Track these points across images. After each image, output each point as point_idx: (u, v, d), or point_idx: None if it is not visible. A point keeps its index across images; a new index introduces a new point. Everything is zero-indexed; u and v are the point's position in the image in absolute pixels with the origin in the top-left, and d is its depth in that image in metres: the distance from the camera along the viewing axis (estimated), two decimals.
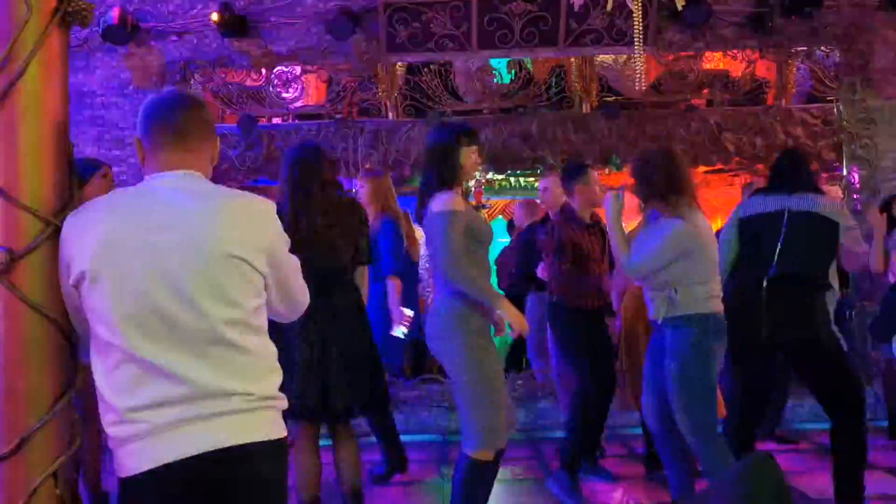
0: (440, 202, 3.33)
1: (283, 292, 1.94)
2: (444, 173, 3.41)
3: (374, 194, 5.07)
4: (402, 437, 5.73)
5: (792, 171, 3.97)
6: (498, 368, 3.45)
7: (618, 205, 3.76)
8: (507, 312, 3.31)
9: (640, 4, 3.52)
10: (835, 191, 6.08)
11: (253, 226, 1.84)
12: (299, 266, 2.02)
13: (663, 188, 3.62)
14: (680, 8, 3.78)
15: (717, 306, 3.61)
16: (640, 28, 3.60)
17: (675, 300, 3.55)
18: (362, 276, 3.88)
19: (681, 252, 3.54)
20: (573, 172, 4.69)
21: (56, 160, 1.83)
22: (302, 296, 2.05)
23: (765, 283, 3.79)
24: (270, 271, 1.86)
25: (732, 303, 3.74)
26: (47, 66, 1.83)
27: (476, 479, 3.33)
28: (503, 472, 3.89)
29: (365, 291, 3.89)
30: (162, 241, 1.73)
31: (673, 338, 3.56)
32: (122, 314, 1.71)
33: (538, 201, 5.74)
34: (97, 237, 1.73)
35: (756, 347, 3.85)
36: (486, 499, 3.41)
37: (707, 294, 3.58)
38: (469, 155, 3.44)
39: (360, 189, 5.07)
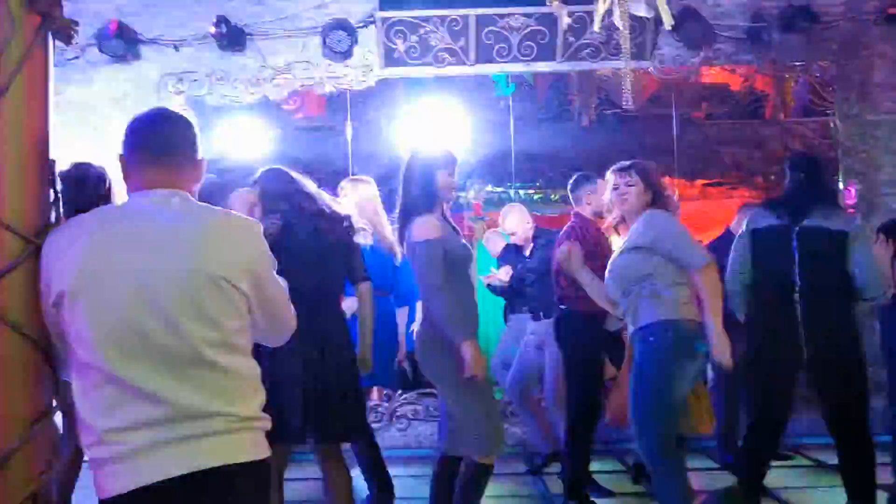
0: (418, 229, 3.39)
1: (268, 315, 1.91)
2: (419, 196, 3.47)
3: (357, 200, 4.70)
4: (399, 452, 5.72)
5: (807, 182, 3.92)
6: (484, 381, 3.49)
7: (579, 254, 3.93)
8: (469, 352, 3.32)
9: (627, 22, 3.51)
10: None
11: (236, 246, 1.82)
12: (286, 288, 2.00)
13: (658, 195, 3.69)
14: (669, 27, 3.77)
15: (687, 313, 3.48)
16: (628, 45, 3.59)
17: (641, 311, 3.50)
18: (365, 294, 3.71)
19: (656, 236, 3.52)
20: (581, 181, 4.70)
21: (38, 179, 1.82)
22: (289, 319, 2.02)
23: (797, 298, 3.75)
24: (254, 292, 1.83)
25: (760, 320, 3.80)
26: (31, 84, 1.81)
27: (480, 482, 3.46)
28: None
29: (369, 309, 3.73)
30: (143, 261, 1.72)
31: (642, 346, 3.50)
32: (102, 335, 1.69)
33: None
34: (77, 257, 1.72)
35: (790, 365, 3.82)
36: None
37: (682, 298, 3.49)
38: (445, 177, 3.50)
39: (342, 194, 4.68)
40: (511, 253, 5.56)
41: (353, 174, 6.09)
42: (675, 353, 3.43)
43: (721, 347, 3.40)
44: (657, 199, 3.66)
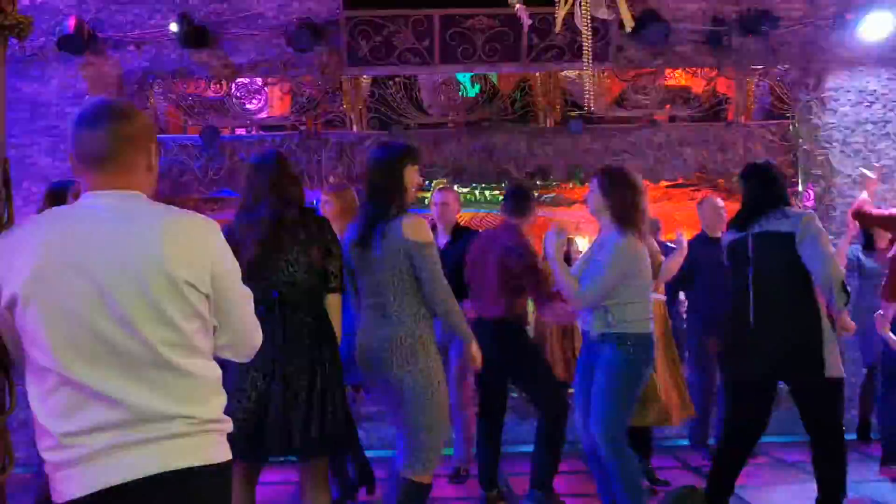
0: (418, 228, 3.24)
1: (227, 320, 1.86)
2: (385, 192, 3.32)
3: (341, 210, 4.66)
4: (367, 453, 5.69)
5: (759, 190, 4.01)
6: (447, 392, 3.37)
7: (558, 242, 3.79)
8: (474, 349, 3.43)
9: (588, 24, 3.53)
10: None
11: (193, 245, 1.78)
12: (249, 296, 1.94)
13: (619, 210, 3.73)
14: (629, 30, 3.80)
15: (649, 327, 3.74)
16: (589, 47, 3.61)
17: (610, 319, 3.67)
18: (333, 307, 3.32)
19: (622, 274, 3.64)
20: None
21: None
22: (251, 330, 1.95)
23: (751, 316, 3.85)
24: (214, 294, 1.79)
25: (728, 329, 3.99)
26: None
27: (416, 502, 3.29)
28: None
29: (337, 323, 3.33)
30: (98, 263, 1.68)
31: (609, 353, 3.67)
32: (57, 338, 1.66)
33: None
34: (30, 260, 1.68)
35: (751, 381, 3.94)
36: None
37: (642, 314, 3.70)
38: (413, 174, 3.38)
39: (326, 205, 4.62)
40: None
41: (315, 174, 6.08)
42: (640, 360, 3.68)
43: None
44: (624, 213, 3.71)
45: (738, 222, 4.04)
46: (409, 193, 3.38)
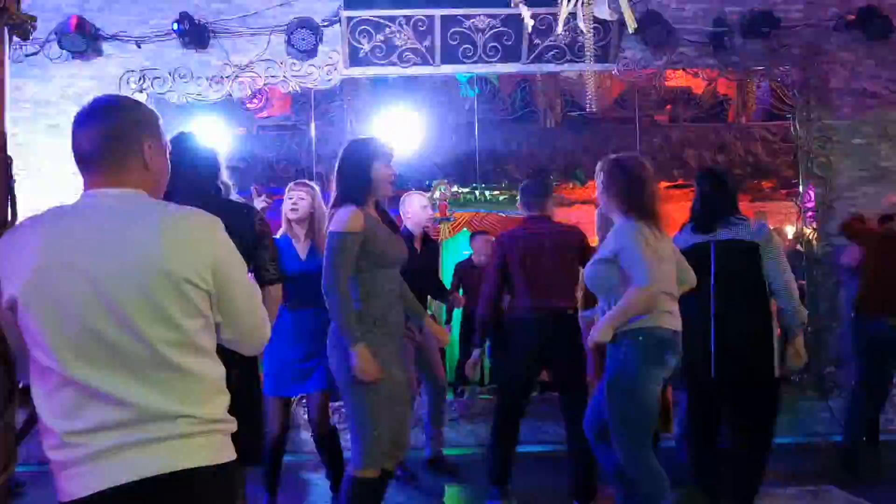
0: (338, 219, 3.25)
1: (230, 317, 1.84)
2: (352, 188, 3.33)
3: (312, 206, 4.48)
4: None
5: (715, 197, 4.02)
6: (393, 387, 3.30)
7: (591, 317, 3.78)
8: (356, 358, 3.18)
9: (591, 24, 3.53)
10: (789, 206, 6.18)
11: (193, 242, 1.76)
12: (255, 292, 1.92)
13: (626, 200, 3.51)
14: (632, 31, 3.80)
15: (664, 322, 3.44)
16: (591, 48, 3.61)
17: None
18: (270, 300, 3.16)
19: (649, 248, 3.38)
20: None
21: None
22: (258, 325, 1.93)
23: (712, 322, 3.87)
24: (216, 290, 1.77)
25: (684, 333, 3.73)
26: None
27: (360, 499, 3.27)
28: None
29: (273, 315, 3.21)
30: (98, 263, 1.67)
31: (614, 351, 3.47)
32: (59, 339, 1.66)
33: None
34: (30, 260, 1.67)
35: (706, 381, 3.95)
36: None
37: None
38: (380, 169, 3.36)
39: (300, 201, 4.37)
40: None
41: (316, 174, 6.07)
42: (645, 361, 3.41)
43: (597, 335, 3.40)
44: (635, 202, 3.49)
45: (699, 225, 4.02)
46: (376, 188, 3.37)
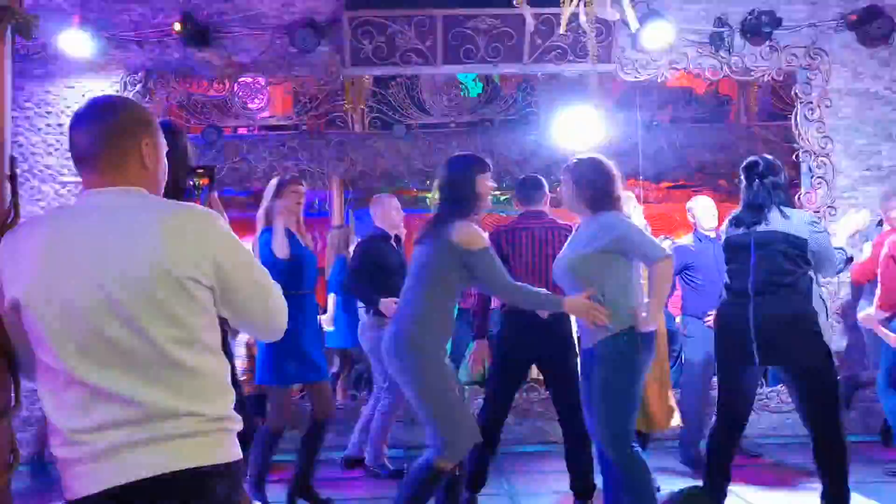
0: (470, 235, 3.43)
1: (237, 307, 1.82)
2: (459, 202, 3.52)
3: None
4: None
5: (758, 188, 3.99)
6: (455, 385, 3.52)
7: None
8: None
9: (593, 25, 3.53)
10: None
11: (194, 239, 1.75)
12: (266, 284, 1.88)
13: (591, 199, 3.63)
14: (634, 30, 3.80)
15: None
16: (594, 48, 3.62)
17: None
18: None
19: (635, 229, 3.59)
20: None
21: None
22: (273, 316, 1.91)
23: (751, 308, 3.85)
24: (219, 285, 1.76)
25: (721, 324, 3.92)
26: None
27: (429, 484, 3.45)
28: None
29: None
30: (100, 263, 1.67)
31: (603, 348, 3.53)
32: (64, 339, 1.66)
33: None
34: (32, 263, 1.68)
35: (745, 367, 3.94)
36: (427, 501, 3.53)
37: (635, 306, 3.55)
38: (484, 183, 3.57)
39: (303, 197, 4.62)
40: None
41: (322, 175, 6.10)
42: (639, 358, 3.50)
43: (648, 321, 3.48)
44: (600, 200, 3.61)
45: (738, 220, 4.02)
46: (481, 201, 3.58)
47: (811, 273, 3.92)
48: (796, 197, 6.24)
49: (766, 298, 3.85)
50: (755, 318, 3.84)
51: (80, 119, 1.79)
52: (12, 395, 1.83)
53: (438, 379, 3.44)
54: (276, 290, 1.92)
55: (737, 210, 4.11)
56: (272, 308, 1.90)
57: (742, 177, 4.11)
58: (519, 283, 3.58)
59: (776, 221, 3.90)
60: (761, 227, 3.91)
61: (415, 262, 3.59)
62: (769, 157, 4.18)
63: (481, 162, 3.64)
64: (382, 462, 5.34)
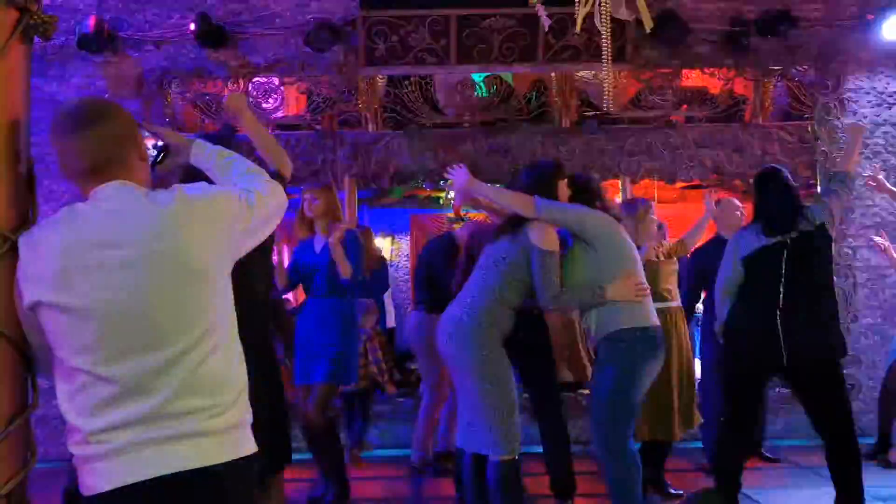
0: (545, 234, 3.62)
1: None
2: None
3: (326, 207, 4.73)
4: (379, 452, 5.73)
5: (780, 200, 3.99)
6: (512, 377, 3.68)
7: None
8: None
9: (608, 24, 3.52)
10: None
11: (208, 225, 1.78)
12: (265, 192, 1.95)
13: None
14: (648, 30, 3.79)
15: (649, 320, 3.62)
16: (609, 47, 3.62)
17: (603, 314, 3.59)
18: None
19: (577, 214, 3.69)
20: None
21: (15, 175, 1.80)
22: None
23: (778, 312, 3.85)
24: (247, 230, 1.88)
25: (744, 328, 3.92)
26: (8, 80, 1.79)
27: (510, 478, 3.56)
28: None
29: None
30: (116, 261, 1.68)
31: (603, 350, 3.59)
32: (82, 339, 1.67)
33: None
34: (49, 263, 1.69)
35: (766, 371, 3.96)
36: (521, 495, 3.69)
37: (639, 308, 3.59)
38: (563, 187, 3.79)
39: (313, 202, 4.67)
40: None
41: (336, 175, 6.13)
42: (644, 356, 3.53)
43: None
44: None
45: (761, 230, 3.98)
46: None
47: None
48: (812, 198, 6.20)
49: (798, 302, 3.85)
50: (784, 324, 3.83)
51: (74, 127, 1.78)
52: (30, 393, 1.83)
53: (502, 370, 3.59)
54: (246, 164, 2.07)
55: (758, 218, 4.07)
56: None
57: (762, 185, 4.09)
58: (565, 288, 3.65)
59: (806, 224, 3.91)
60: (793, 234, 3.90)
61: (489, 256, 3.73)
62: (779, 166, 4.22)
63: (560, 168, 3.89)
64: (428, 459, 5.35)
